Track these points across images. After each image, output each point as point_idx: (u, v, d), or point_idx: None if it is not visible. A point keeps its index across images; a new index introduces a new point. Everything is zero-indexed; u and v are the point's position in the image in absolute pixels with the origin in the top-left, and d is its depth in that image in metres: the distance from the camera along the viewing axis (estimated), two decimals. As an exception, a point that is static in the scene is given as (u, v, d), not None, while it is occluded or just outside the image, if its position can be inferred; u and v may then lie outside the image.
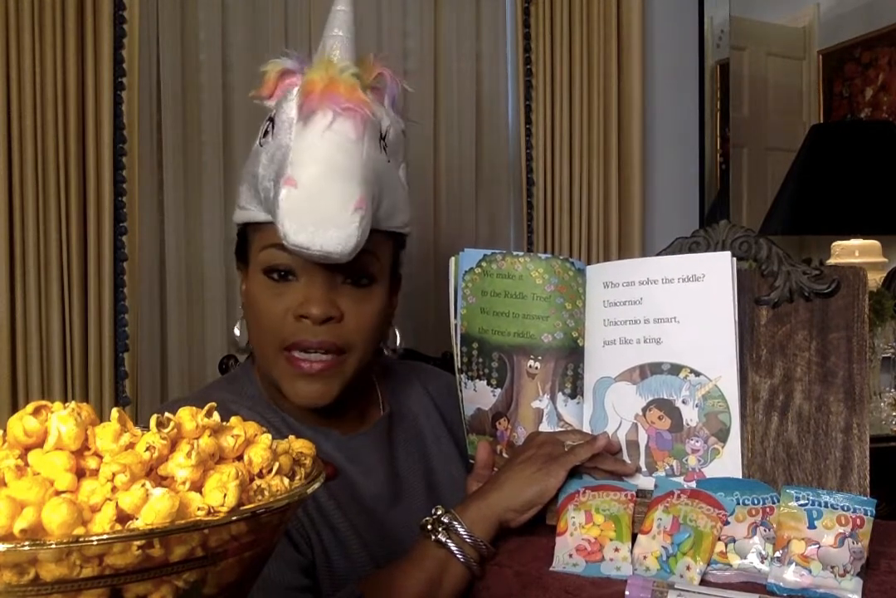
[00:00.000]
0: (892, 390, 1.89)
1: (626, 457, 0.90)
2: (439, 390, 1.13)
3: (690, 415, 0.87)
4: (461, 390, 1.01)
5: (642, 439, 0.89)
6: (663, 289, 0.89)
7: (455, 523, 0.85)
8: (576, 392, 0.94)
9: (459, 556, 0.84)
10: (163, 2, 1.63)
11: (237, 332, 1.01)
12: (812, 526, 0.73)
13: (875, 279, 1.94)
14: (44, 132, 1.50)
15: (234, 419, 0.54)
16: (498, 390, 0.97)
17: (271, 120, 0.92)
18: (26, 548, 0.41)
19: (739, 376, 0.87)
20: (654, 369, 0.89)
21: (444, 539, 0.84)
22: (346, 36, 0.92)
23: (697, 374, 0.87)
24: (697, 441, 0.86)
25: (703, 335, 0.87)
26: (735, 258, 0.87)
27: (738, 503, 0.78)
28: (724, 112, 2.13)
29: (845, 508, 0.73)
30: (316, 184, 0.84)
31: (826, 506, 0.74)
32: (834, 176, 1.96)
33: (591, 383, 0.93)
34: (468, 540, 0.84)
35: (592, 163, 1.89)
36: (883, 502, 0.75)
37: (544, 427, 0.95)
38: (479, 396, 0.99)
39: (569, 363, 0.94)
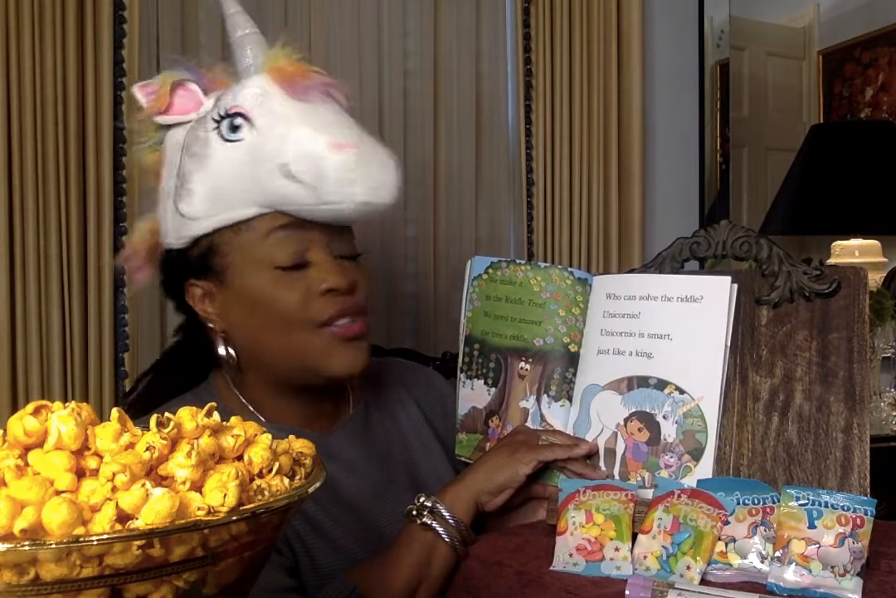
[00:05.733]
0: (892, 390, 1.88)
1: (601, 463, 0.92)
2: (417, 384, 1.13)
3: (669, 430, 0.88)
4: (459, 389, 1.05)
5: (620, 448, 0.91)
6: (662, 306, 0.91)
7: (438, 505, 0.88)
8: (560, 395, 0.97)
9: (445, 536, 0.87)
10: (163, 2, 1.63)
11: (223, 351, 0.95)
12: (812, 526, 0.73)
13: (875, 279, 1.94)
14: (44, 132, 1.49)
15: (233, 419, 0.54)
16: (493, 389, 1.01)
17: (226, 116, 0.91)
18: (26, 548, 0.41)
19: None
20: (641, 382, 0.91)
21: (429, 522, 0.87)
22: (257, 30, 0.97)
23: (682, 391, 0.89)
24: (672, 457, 0.88)
25: (692, 355, 0.89)
26: (735, 284, 0.88)
27: (739, 503, 0.78)
28: (724, 112, 2.13)
29: (845, 508, 0.73)
30: (363, 141, 0.89)
31: (826, 506, 0.74)
32: (834, 176, 1.96)
33: (580, 389, 0.96)
34: (451, 522, 0.87)
35: (592, 163, 1.88)
36: (883, 502, 0.75)
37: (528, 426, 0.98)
38: (475, 394, 1.03)
39: (557, 367, 0.97)
